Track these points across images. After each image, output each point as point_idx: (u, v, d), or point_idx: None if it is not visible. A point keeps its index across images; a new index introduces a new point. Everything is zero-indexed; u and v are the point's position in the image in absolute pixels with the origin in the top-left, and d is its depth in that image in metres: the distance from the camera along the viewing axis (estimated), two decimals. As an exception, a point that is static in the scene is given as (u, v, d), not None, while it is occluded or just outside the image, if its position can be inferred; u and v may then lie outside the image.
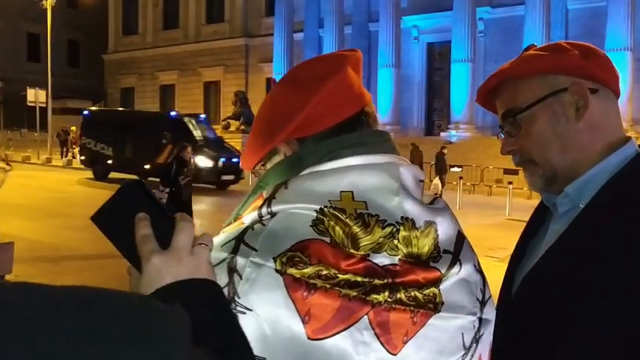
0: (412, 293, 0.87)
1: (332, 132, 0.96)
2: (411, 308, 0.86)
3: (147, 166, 18.34)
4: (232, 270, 0.82)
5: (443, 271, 0.91)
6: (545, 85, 1.13)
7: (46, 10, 28.72)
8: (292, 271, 0.81)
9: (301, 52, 30.84)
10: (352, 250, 0.85)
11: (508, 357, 1.07)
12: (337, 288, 0.82)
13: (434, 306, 0.88)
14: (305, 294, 0.80)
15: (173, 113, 21.99)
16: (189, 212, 9.07)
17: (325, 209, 0.86)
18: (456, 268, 0.92)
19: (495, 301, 1.03)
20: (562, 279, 1.03)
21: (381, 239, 0.87)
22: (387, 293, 0.84)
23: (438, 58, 29.93)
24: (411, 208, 0.91)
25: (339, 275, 0.82)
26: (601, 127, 1.11)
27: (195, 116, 21.13)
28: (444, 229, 0.94)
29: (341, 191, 0.88)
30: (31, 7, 31.31)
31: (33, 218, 12.00)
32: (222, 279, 0.81)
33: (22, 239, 7.82)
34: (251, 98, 32.81)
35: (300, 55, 30.71)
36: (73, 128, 29.44)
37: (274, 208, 0.87)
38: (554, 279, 1.05)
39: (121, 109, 31.38)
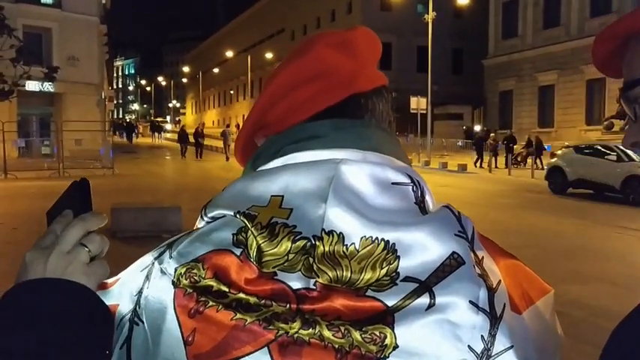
0: (342, 329, 0.67)
1: None
2: (336, 347, 0.67)
3: None
4: (147, 278, 0.75)
5: (390, 303, 0.68)
6: None
7: (434, 24, 31.28)
8: (185, 283, 0.71)
9: None
10: (257, 266, 0.70)
11: None
12: (229, 310, 0.69)
13: (380, 350, 0.67)
14: (192, 311, 0.69)
15: None
16: None
17: (237, 216, 0.73)
18: (421, 300, 0.68)
19: None
20: None
21: (291, 255, 0.70)
22: (297, 324, 0.67)
23: None
24: (340, 219, 0.70)
25: (229, 294, 0.69)
26: None
27: None
28: (416, 251, 0.70)
29: (271, 195, 0.74)
30: (421, 22, 34.34)
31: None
32: (134, 288, 0.75)
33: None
34: (641, 94, 29.30)
35: None
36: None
37: (209, 214, 0.78)
38: None
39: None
